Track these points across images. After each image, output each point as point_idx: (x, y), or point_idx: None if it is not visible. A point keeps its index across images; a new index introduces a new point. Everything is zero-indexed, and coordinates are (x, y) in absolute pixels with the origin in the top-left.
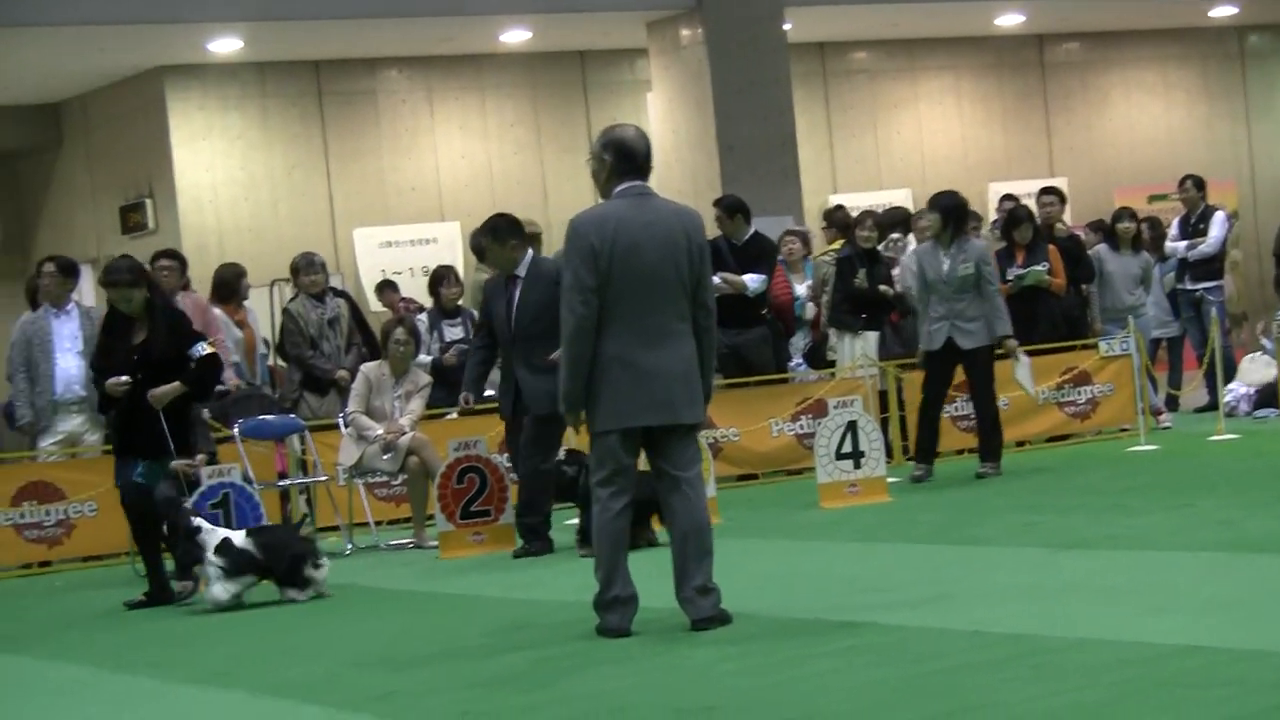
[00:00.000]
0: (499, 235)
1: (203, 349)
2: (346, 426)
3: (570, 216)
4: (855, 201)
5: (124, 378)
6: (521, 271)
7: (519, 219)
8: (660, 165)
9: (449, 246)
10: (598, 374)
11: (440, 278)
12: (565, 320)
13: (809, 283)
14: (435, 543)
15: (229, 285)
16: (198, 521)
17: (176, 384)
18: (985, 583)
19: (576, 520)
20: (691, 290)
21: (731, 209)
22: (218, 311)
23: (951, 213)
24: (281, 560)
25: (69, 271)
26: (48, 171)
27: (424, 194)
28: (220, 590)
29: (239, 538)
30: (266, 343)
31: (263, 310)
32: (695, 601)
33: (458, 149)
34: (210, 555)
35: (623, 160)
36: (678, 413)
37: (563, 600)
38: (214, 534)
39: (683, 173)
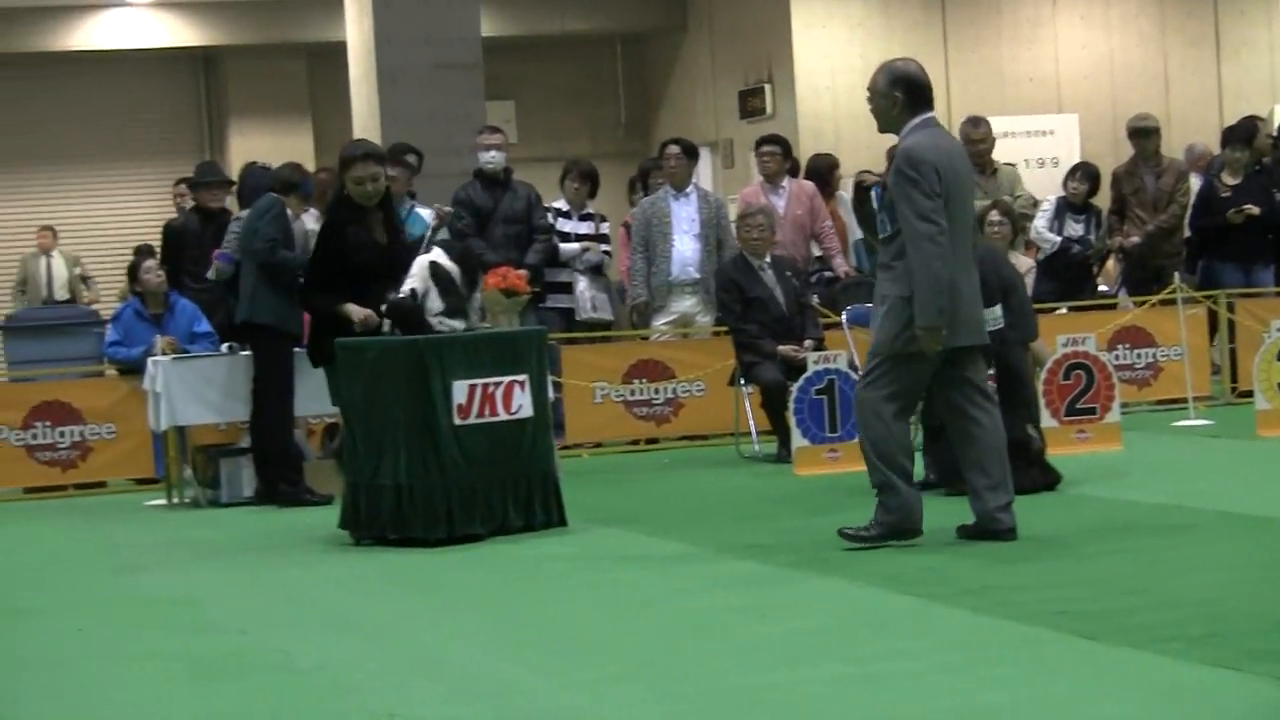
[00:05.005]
0: None
1: None
2: None
3: (1188, 112)
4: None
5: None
6: None
7: None
8: None
9: (1066, 139)
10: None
11: (1073, 170)
12: (926, 245)
13: None
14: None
15: (821, 175)
16: None
17: None
18: None
19: None
20: None
21: None
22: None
23: None
24: None
25: (692, 154)
26: (672, 54)
27: (1042, 85)
28: None
29: None
30: None
31: None
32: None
33: (1079, 39)
34: None
35: (914, 93)
36: (984, 333)
37: (1162, 504)
38: None
39: None
